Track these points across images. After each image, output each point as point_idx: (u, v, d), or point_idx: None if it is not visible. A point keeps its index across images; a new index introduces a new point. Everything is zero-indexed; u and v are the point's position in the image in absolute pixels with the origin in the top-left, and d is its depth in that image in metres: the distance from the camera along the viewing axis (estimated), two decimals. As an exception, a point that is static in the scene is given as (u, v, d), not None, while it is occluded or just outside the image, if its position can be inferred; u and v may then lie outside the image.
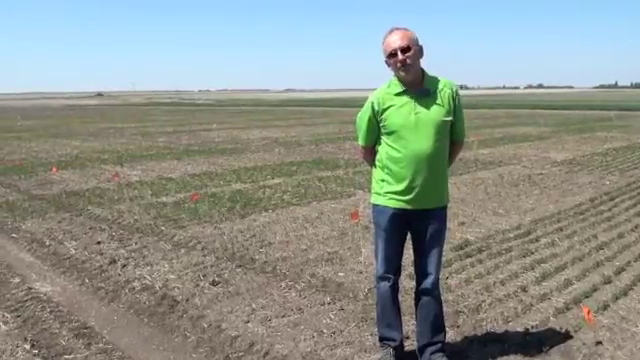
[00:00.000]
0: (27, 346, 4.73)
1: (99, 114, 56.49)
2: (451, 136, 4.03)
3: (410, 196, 3.92)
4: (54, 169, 14.62)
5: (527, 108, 53.63)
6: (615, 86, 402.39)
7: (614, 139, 21.70)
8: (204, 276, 6.32)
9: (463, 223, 8.43)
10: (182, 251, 7.30)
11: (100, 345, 4.77)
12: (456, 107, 3.97)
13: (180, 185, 12.33)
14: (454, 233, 7.79)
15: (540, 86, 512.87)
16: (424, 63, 3.96)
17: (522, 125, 30.60)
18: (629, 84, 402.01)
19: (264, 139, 24.09)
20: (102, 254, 7.29)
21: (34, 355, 4.59)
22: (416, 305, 4.25)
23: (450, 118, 3.93)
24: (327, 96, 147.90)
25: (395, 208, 3.99)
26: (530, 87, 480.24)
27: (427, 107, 3.86)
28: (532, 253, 6.94)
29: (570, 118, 36.98)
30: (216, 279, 6.20)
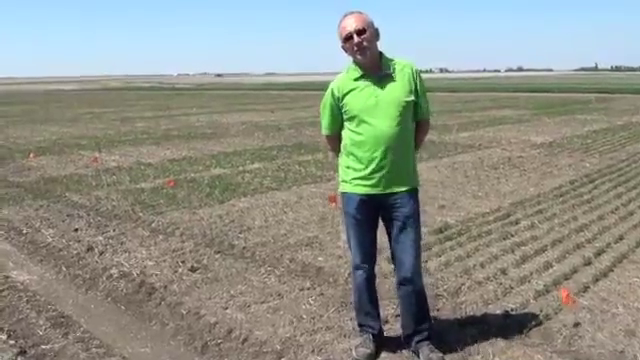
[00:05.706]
0: (3, 336, 4.67)
1: (78, 99, 55.79)
2: (416, 115, 4.02)
3: (376, 180, 3.90)
4: (31, 155, 14.47)
5: (508, 91, 53.62)
6: (595, 69, 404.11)
7: (594, 121, 21.71)
8: (182, 262, 6.26)
9: (443, 206, 8.42)
10: (160, 237, 7.23)
11: (77, 334, 4.72)
12: (417, 86, 3.94)
13: (159, 170, 12.22)
14: (434, 216, 7.78)
15: (520, 69, 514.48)
16: (384, 46, 3.98)
17: (502, 108, 30.60)
18: (609, 67, 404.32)
19: (244, 123, 23.90)
20: (79, 241, 7.20)
21: (11, 346, 4.52)
22: (398, 292, 4.21)
23: (412, 98, 3.91)
24: (309, 79, 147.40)
25: (362, 194, 3.96)
26: (510, 70, 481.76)
27: (387, 89, 3.85)
28: (512, 236, 6.95)
29: (550, 101, 37.06)
30: (195, 265, 6.15)
